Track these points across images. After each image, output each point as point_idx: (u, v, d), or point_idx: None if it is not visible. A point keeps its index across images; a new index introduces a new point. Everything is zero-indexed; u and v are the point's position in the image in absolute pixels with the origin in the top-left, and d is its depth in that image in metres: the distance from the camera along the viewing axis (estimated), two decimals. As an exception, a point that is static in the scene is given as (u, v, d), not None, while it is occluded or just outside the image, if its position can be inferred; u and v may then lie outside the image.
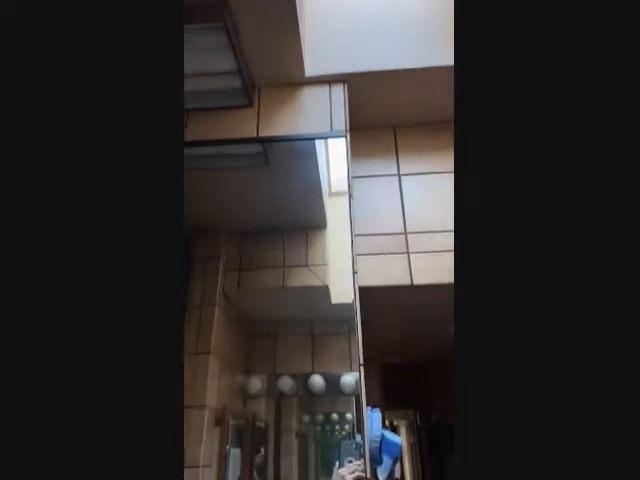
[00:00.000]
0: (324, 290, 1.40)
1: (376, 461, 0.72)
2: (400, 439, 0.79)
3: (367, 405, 0.80)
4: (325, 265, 1.42)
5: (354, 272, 0.75)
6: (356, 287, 0.72)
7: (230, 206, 1.37)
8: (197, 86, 1.01)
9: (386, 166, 0.99)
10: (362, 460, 1.04)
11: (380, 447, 0.75)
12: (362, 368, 0.68)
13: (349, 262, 1.34)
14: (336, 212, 1.55)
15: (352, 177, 0.92)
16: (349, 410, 1.94)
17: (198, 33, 0.95)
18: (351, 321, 1.69)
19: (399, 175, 0.98)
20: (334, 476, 1.07)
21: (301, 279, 1.40)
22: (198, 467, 1.15)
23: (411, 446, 3.23)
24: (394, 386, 1.77)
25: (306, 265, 1.42)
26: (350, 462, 1.05)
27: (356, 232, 0.89)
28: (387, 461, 0.76)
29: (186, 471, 1.15)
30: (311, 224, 1.46)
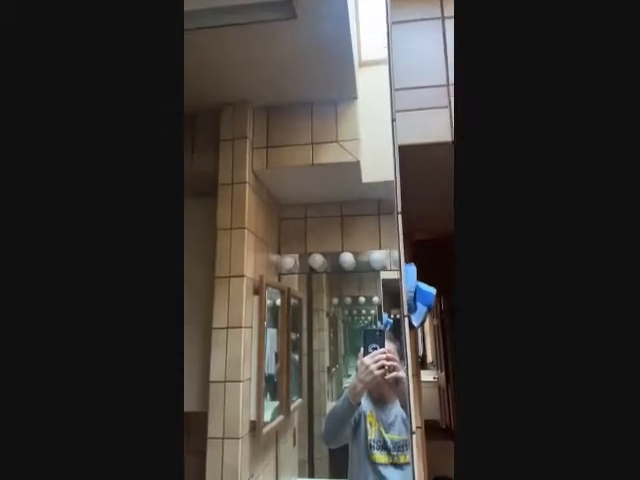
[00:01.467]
0: (355, 166, 1.37)
1: (411, 309, 0.74)
2: (434, 290, 0.82)
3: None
4: (356, 140, 1.36)
5: (393, 120, 0.70)
6: (395, 133, 0.67)
7: (256, 78, 1.28)
8: None
9: (428, 8, 0.87)
10: (385, 348, 1.07)
11: (415, 297, 0.78)
12: (400, 216, 0.66)
13: (381, 136, 1.27)
14: (367, 83, 1.44)
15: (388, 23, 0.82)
16: (376, 294, 2.04)
17: None
18: (380, 202, 1.68)
19: (442, 18, 0.86)
20: (358, 362, 1.11)
21: (331, 155, 1.36)
22: (241, 327, 1.25)
23: (434, 328, 3.43)
24: (422, 268, 1.80)
25: (336, 141, 1.37)
26: (374, 349, 1.09)
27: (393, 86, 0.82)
28: (421, 308, 0.79)
29: (230, 331, 1.25)
30: (341, 95, 1.37)
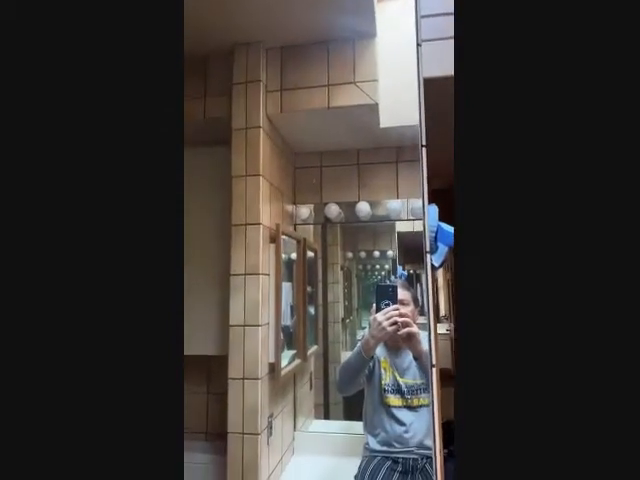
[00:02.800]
0: (373, 109, 1.31)
1: (432, 249, 0.73)
2: (456, 230, 0.79)
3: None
4: (375, 81, 1.30)
5: (418, 44, 0.65)
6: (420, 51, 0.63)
7: (270, 16, 1.20)
8: None
9: None
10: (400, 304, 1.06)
11: (436, 237, 0.76)
12: (424, 149, 0.63)
13: (402, 76, 1.21)
14: (386, 19, 1.36)
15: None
16: (390, 248, 2.03)
17: None
18: (399, 150, 1.62)
19: None
20: (371, 318, 1.11)
21: (348, 98, 1.30)
22: (258, 274, 1.26)
23: (447, 282, 3.47)
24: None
25: (353, 82, 1.30)
26: (387, 305, 1.08)
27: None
28: (442, 248, 0.77)
29: (247, 277, 1.27)
30: (359, 33, 1.29)
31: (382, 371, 1.32)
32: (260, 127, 1.30)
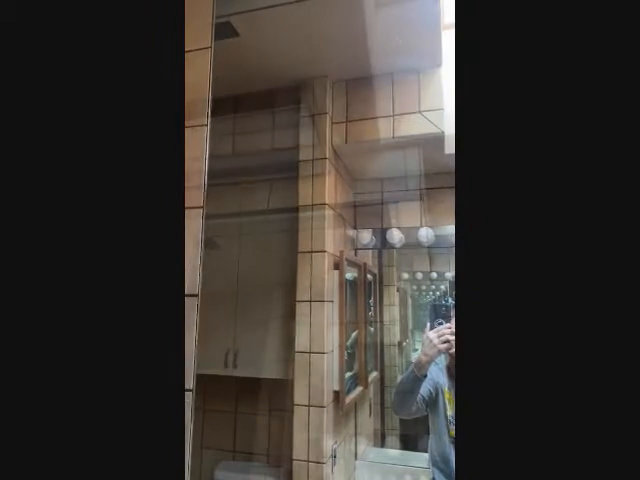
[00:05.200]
0: (438, 138, 1.31)
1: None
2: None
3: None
4: (441, 110, 1.29)
5: None
6: None
7: (336, 51, 1.25)
8: None
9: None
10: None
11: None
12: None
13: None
14: (452, 45, 1.36)
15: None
16: (449, 269, 1.98)
17: None
18: (463, 174, 1.60)
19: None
20: (424, 337, 1.09)
21: (413, 127, 1.31)
22: (323, 301, 1.28)
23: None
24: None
25: (419, 111, 1.31)
26: (440, 324, 1.06)
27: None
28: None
29: (313, 304, 1.29)
30: (424, 63, 1.30)
31: (446, 402, 1.28)
32: (326, 159, 1.33)
